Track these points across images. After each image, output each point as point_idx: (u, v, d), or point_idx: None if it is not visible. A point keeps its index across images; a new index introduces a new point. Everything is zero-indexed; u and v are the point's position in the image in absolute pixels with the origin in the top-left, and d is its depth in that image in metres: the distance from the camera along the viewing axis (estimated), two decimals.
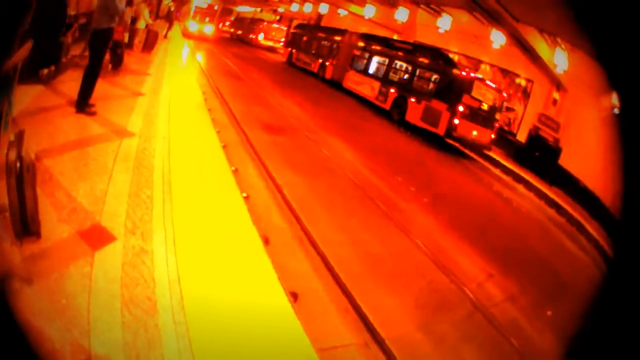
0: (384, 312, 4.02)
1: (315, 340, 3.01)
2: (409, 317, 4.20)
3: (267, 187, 6.06)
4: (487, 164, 13.55)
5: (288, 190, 5.97)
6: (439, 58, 15.39)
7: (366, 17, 23.35)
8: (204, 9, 35.09)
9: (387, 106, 16.15)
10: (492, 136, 14.15)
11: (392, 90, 16.05)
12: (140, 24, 11.25)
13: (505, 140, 15.67)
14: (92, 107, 6.02)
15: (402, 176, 8.55)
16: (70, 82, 6.55)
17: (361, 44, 19.55)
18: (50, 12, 6.86)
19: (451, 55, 17.42)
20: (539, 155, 13.68)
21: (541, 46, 14.03)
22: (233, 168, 5.91)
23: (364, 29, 22.42)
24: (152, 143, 5.54)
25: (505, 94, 15.31)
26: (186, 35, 27.65)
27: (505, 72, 17.42)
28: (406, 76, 15.94)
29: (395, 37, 21.98)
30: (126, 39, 10.93)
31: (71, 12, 8.50)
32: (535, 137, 14.47)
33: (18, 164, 2.75)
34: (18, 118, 4.97)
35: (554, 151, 13.56)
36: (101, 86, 6.50)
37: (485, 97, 13.99)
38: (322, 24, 29.54)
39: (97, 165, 4.44)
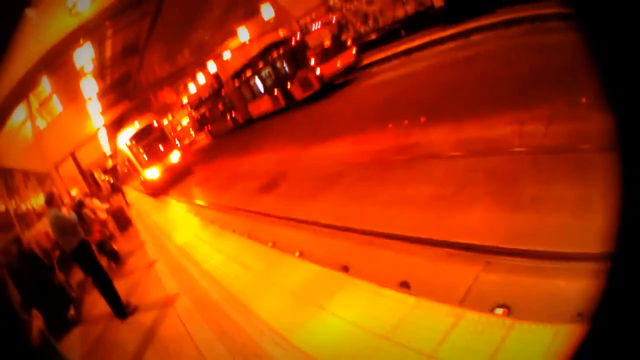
0: (470, 228, 3.93)
1: (450, 300, 2.94)
2: (491, 214, 4.07)
3: (311, 231, 6.05)
4: (435, 49, 13.21)
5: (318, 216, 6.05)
6: (277, 46, 19.00)
7: (247, 42, 23.52)
8: (143, 134, 19.99)
9: (283, 104, 19.34)
10: (353, 52, 16.66)
11: (276, 91, 19.34)
12: (101, 214, 11.26)
13: (430, 18, 15.39)
14: (130, 305, 6.07)
15: (391, 122, 8.37)
16: (97, 303, 6.63)
17: (236, 81, 23.19)
18: (25, 277, 6.75)
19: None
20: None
21: None
22: (270, 244, 5.82)
23: (255, 51, 22.53)
24: (198, 289, 5.49)
25: (333, 17, 19.22)
26: (151, 189, 19.46)
27: None
28: (274, 74, 19.16)
29: (281, 33, 22.37)
30: (108, 231, 11.15)
31: (46, 261, 8.51)
32: None
33: None
34: None
35: None
36: (120, 284, 6.62)
37: (321, 36, 17.45)
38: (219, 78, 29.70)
39: (174, 342, 4.51)
